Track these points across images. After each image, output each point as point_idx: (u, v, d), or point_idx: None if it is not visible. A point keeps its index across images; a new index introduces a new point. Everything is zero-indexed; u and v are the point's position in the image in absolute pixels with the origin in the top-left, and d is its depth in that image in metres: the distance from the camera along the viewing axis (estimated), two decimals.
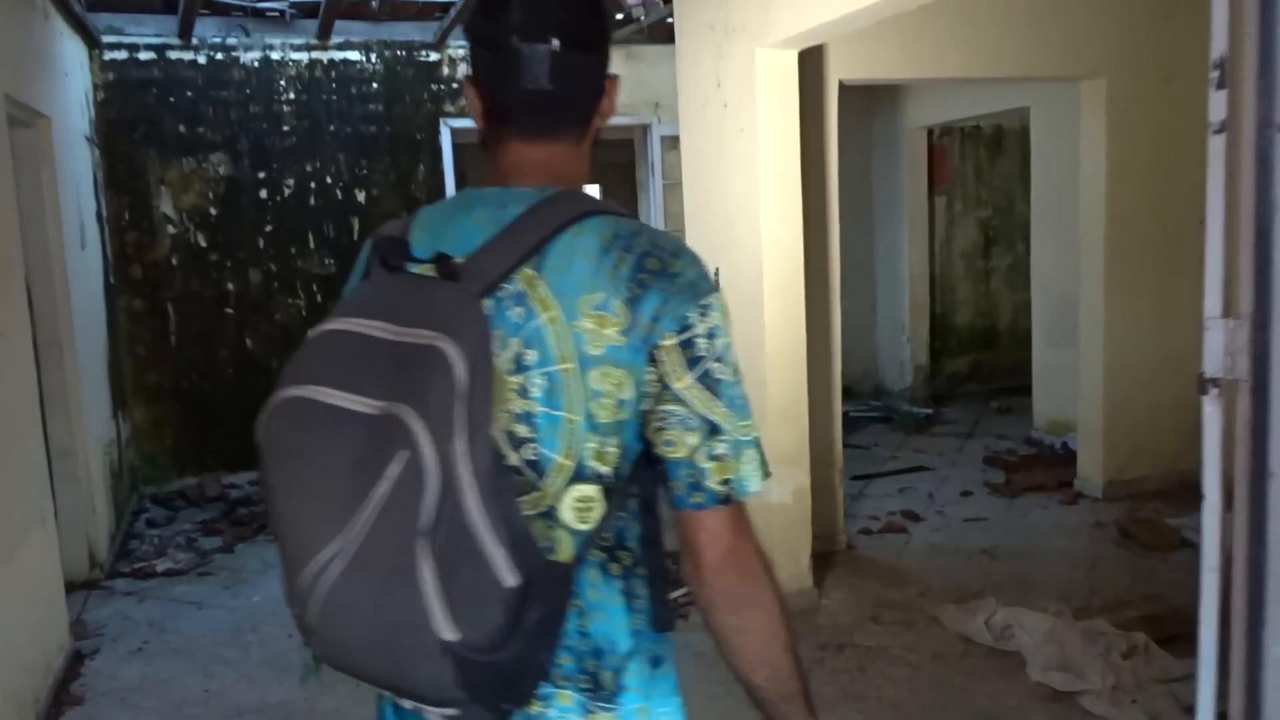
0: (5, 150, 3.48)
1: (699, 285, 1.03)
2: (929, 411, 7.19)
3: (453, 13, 5.78)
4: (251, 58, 5.99)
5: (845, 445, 4.63)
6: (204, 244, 6.01)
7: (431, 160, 6.39)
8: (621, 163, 8.85)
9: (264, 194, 6.08)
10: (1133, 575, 4.06)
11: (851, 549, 4.48)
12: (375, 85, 6.23)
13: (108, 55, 5.71)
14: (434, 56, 6.33)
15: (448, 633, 0.89)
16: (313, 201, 6.18)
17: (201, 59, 5.89)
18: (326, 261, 6.23)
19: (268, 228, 6.11)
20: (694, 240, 4.25)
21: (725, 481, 1.02)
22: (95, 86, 5.69)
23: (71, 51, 5.12)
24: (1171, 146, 4.87)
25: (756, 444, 1.04)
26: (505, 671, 0.95)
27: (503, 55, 1.07)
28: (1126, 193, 4.90)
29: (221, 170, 5.99)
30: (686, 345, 1.00)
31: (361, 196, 6.28)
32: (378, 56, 6.22)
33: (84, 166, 5.19)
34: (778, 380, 3.67)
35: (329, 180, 6.21)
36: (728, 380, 1.02)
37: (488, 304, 0.98)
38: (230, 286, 6.06)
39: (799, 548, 3.78)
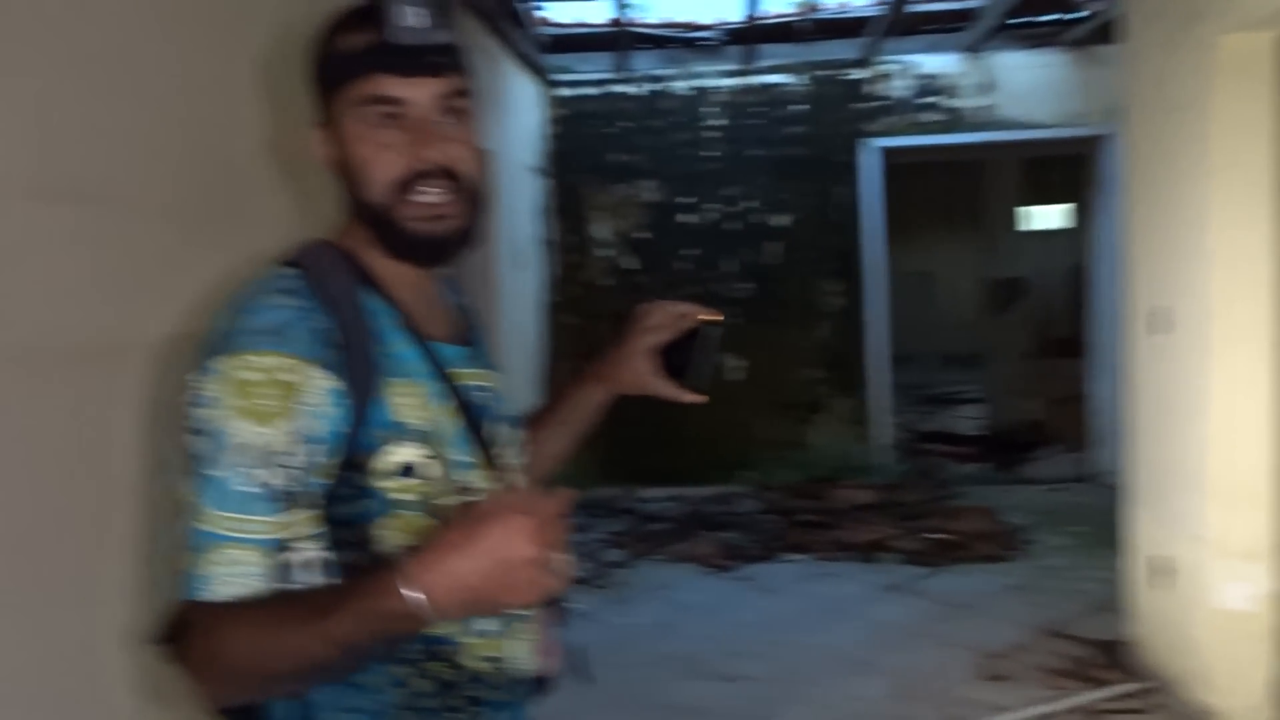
0: None
1: (216, 345, 0.96)
2: None
3: (876, 26, 5.47)
4: (683, 87, 6.18)
5: None
6: (632, 266, 6.31)
7: (853, 182, 6.13)
8: (1083, 178, 7.87)
9: (688, 218, 6.25)
10: None
11: None
12: (798, 107, 6.12)
13: (559, 93, 6.22)
14: (860, 74, 6.07)
15: None
16: (732, 225, 6.22)
17: (639, 91, 6.20)
18: (742, 285, 6.23)
19: (689, 251, 6.26)
20: (1136, 270, 3.54)
21: (180, 573, 0.92)
22: (549, 121, 6.23)
23: (524, 90, 5.64)
24: None
25: (226, 543, 0.91)
26: None
27: None
28: None
29: (651, 196, 6.26)
30: (185, 410, 0.95)
31: (781, 220, 6.20)
32: (802, 77, 6.10)
33: (527, 195, 5.68)
34: (1226, 448, 2.89)
35: (749, 204, 6.22)
36: (201, 457, 0.92)
37: None
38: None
39: (1251, 670, 2.94)
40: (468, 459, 1.09)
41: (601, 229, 6.31)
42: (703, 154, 6.21)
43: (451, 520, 0.87)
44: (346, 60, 1.03)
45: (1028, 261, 8.74)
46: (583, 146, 6.26)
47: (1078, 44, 5.85)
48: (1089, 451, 6.58)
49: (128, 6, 1.64)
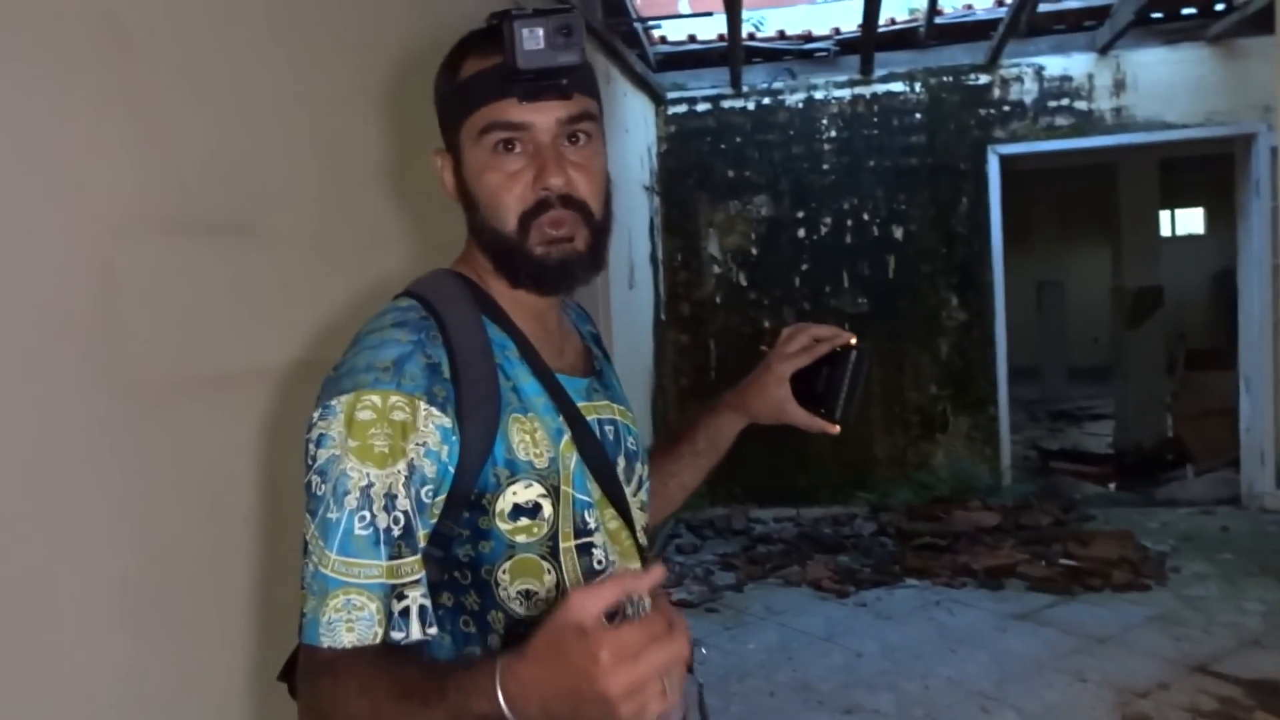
0: None
1: (334, 381, 0.94)
2: None
3: (1001, 28, 5.26)
4: (796, 99, 6.07)
5: None
6: (744, 283, 6.23)
7: (975, 191, 5.90)
8: (1220, 180, 7.44)
9: (801, 233, 6.13)
10: None
11: None
12: (918, 115, 5.94)
13: (670, 110, 6.20)
14: (983, 79, 5.85)
15: None
16: (848, 239, 6.08)
17: (750, 105, 6.13)
18: (859, 300, 6.07)
19: (803, 266, 6.13)
20: None
21: (301, 614, 0.89)
22: (659, 139, 6.20)
23: (636, 109, 5.63)
24: None
25: (343, 587, 0.87)
26: None
27: None
28: None
29: (763, 211, 6.16)
30: (305, 446, 0.93)
31: (898, 233, 6.02)
32: (921, 85, 5.92)
33: (639, 213, 5.66)
34: None
35: (865, 217, 6.05)
36: (322, 499, 0.89)
37: None
38: (766, 324, 6.19)
39: None
40: (590, 499, 1.04)
41: (712, 246, 6.25)
42: (817, 166, 6.08)
43: (544, 623, 0.77)
44: (469, 87, 1.02)
45: (1164, 268, 8.27)
46: (693, 162, 6.21)
47: (1220, 38, 5.50)
48: (1235, 472, 6.16)
49: (255, 38, 1.67)
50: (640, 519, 1.13)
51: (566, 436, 1.03)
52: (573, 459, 1.03)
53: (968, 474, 5.99)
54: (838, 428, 1.22)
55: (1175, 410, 7.97)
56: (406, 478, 0.91)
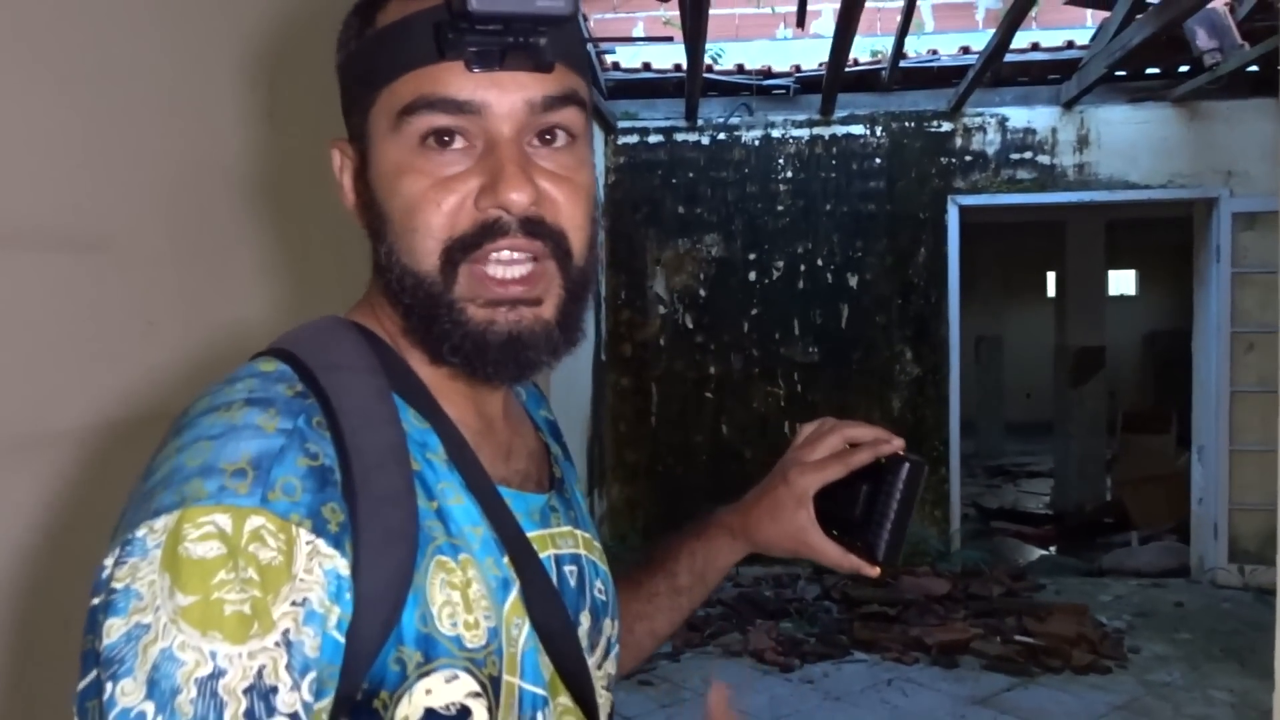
0: None
1: (143, 500, 0.54)
2: None
3: (969, 75, 5.06)
4: (752, 136, 5.80)
5: None
6: (690, 325, 5.90)
7: (934, 242, 5.68)
8: (1174, 245, 7.39)
9: (752, 276, 5.83)
10: None
11: None
12: (878, 160, 5.70)
13: (621, 140, 5.87)
14: (945, 126, 5.65)
15: None
16: (801, 285, 5.79)
17: (705, 139, 5.83)
18: (810, 349, 5.79)
19: (753, 311, 5.83)
20: None
21: None
22: (608, 169, 5.87)
23: None
24: None
25: None
26: None
27: None
28: None
29: (714, 251, 5.86)
30: (88, 620, 0.52)
31: (853, 280, 5.76)
32: (882, 129, 5.69)
33: None
34: None
35: (819, 262, 5.78)
36: (115, 708, 0.48)
37: None
38: (712, 370, 5.86)
39: None
40: (543, 689, 0.66)
41: (659, 284, 5.92)
42: (772, 207, 5.80)
43: None
44: (388, 41, 0.65)
45: (1108, 328, 8.22)
46: (643, 196, 5.89)
47: (1185, 100, 5.38)
48: (1180, 541, 6.00)
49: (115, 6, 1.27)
50: (605, 704, 0.76)
51: (514, 592, 0.66)
52: (523, 629, 0.66)
53: (917, 537, 5.71)
54: (879, 569, 0.87)
55: (1115, 473, 7.86)
56: (287, 657, 0.53)
